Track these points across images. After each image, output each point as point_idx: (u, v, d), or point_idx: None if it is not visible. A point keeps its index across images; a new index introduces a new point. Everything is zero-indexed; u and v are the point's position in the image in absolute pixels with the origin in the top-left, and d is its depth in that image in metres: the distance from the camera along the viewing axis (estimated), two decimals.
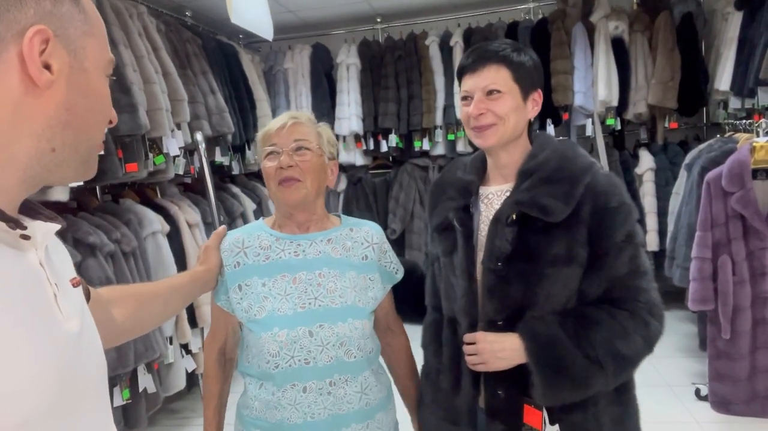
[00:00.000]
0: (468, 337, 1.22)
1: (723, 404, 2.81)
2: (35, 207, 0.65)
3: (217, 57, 3.85)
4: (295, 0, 4.04)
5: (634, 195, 4.09)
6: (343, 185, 4.74)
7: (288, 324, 1.21)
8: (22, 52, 0.55)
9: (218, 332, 1.35)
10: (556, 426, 1.19)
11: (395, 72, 4.49)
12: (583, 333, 1.16)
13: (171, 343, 2.89)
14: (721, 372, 2.79)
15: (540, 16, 4.36)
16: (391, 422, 1.37)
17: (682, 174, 3.48)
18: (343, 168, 4.78)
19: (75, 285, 0.69)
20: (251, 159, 4.12)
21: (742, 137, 3.04)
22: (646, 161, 4.16)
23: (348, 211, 4.67)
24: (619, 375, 1.18)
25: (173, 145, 3.04)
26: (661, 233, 3.98)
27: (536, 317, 1.19)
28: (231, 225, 3.41)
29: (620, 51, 4.11)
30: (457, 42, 4.36)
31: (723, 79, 3.78)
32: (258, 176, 4.08)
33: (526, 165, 1.25)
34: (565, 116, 4.18)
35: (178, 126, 3.16)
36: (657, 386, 3.12)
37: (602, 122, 4.21)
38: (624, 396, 1.26)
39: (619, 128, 4.29)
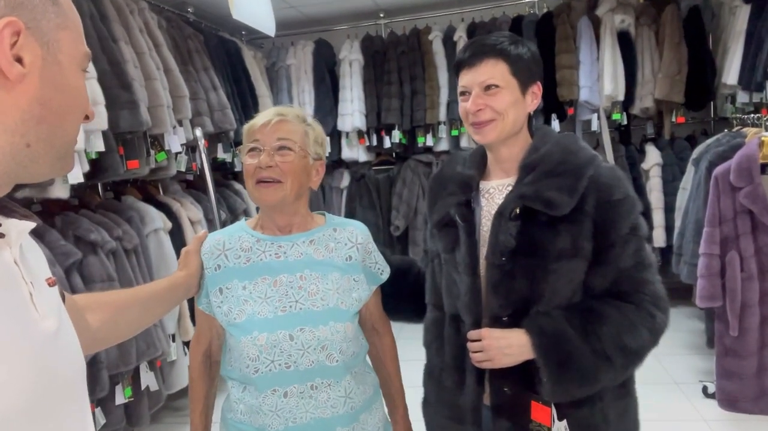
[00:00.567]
0: (473, 334, 1.21)
1: (730, 401, 2.78)
2: (9, 205, 0.64)
3: (219, 53, 3.84)
4: None
5: (641, 191, 4.05)
6: (346, 182, 4.73)
7: (268, 328, 1.19)
8: None
9: (202, 335, 1.32)
10: (564, 422, 1.18)
11: (398, 67, 4.46)
12: (590, 327, 1.15)
13: (173, 341, 2.88)
14: (729, 369, 2.76)
15: (545, 10, 4.31)
16: (379, 420, 1.34)
17: (690, 169, 3.45)
18: (346, 164, 4.77)
19: (51, 285, 0.68)
20: None
21: (750, 131, 3.00)
22: (652, 156, 4.12)
23: (351, 207, 4.66)
24: (627, 368, 1.18)
25: (175, 142, 3.03)
26: (668, 229, 3.95)
27: (542, 312, 1.18)
28: (234, 222, 3.40)
29: (626, 45, 4.07)
30: (460, 37, 4.32)
31: (731, 73, 3.74)
32: None
33: (528, 159, 1.24)
34: (570, 111, 4.15)
35: (180, 123, 3.15)
36: (664, 383, 3.10)
37: (608, 117, 4.17)
38: (626, 389, 1.26)
39: (625, 122, 4.24)
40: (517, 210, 1.19)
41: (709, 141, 3.42)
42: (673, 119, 4.23)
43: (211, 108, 3.48)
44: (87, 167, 2.41)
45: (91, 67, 2.39)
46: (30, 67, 0.56)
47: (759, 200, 2.60)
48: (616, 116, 4.16)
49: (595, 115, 4.12)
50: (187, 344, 3.03)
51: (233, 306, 1.22)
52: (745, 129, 3.14)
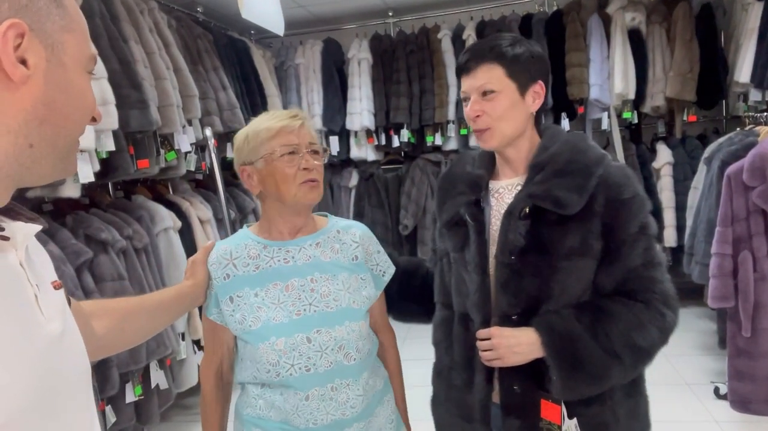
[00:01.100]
0: (482, 332, 1.21)
1: (743, 403, 2.75)
2: (15, 208, 0.64)
3: (229, 53, 3.85)
4: None
5: (652, 190, 4.02)
6: (354, 181, 4.73)
7: (285, 332, 1.20)
8: None
9: (214, 352, 1.31)
10: (574, 420, 1.18)
11: (407, 66, 4.45)
12: (600, 325, 1.15)
13: (183, 339, 2.90)
14: (741, 370, 2.73)
15: (554, 8, 4.29)
16: (391, 412, 1.36)
17: (702, 168, 3.41)
18: (355, 164, 4.77)
19: (56, 288, 0.68)
20: None
21: (763, 130, 2.97)
22: (663, 155, 4.08)
23: (359, 207, 4.65)
24: (637, 366, 1.18)
25: (184, 141, 3.04)
26: (679, 228, 3.91)
27: (552, 310, 1.18)
28: (243, 221, 3.41)
29: (637, 43, 4.03)
30: (470, 35, 4.30)
31: (743, 70, 3.70)
32: None
33: (537, 158, 1.24)
34: (581, 110, 4.12)
35: (190, 122, 3.16)
36: (675, 384, 3.07)
37: (619, 116, 4.14)
38: (637, 387, 1.26)
39: (636, 121, 4.21)
40: (527, 209, 1.19)
41: (721, 140, 3.38)
42: (685, 118, 4.19)
43: (221, 107, 3.49)
44: (98, 167, 2.42)
45: (101, 67, 2.41)
46: (34, 69, 0.57)
47: None
48: (626, 115, 4.13)
49: (606, 113, 4.09)
50: (196, 342, 3.04)
51: (247, 314, 1.22)
52: (757, 128, 3.10)
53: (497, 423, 1.25)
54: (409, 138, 4.48)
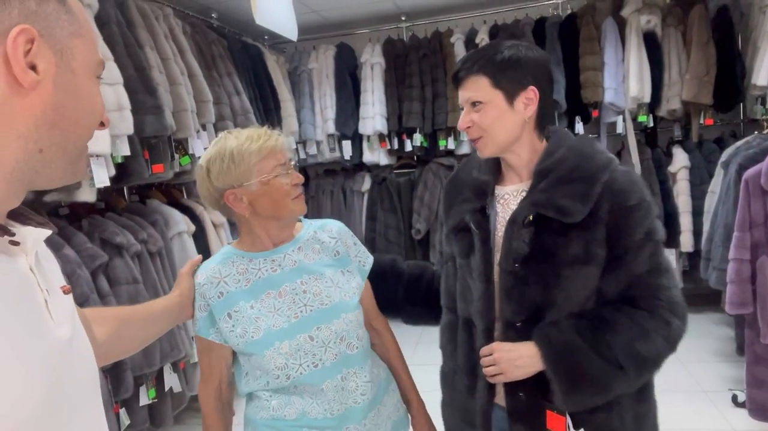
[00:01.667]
0: (485, 349, 1.21)
1: (761, 411, 2.70)
2: (25, 213, 0.65)
3: (243, 58, 3.88)
4: (319, 0, 4.04)
5: (668, 194, 3.97)
6: (367, 185, 4.73)
7: (288, 336, 1.23)
8: (6, 52, 0.55)
9: (212, 372, 1.31)
10: (581, 430, 1.17)
11: (420, 70, 4.45)
12: (601, 336, 1.14)
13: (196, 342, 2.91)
14: (760, 377, 2.68)
15: (568, 11, 4.26)
16: (398, 401, 1.40)
17: (719, 172, 3.37)
18: (368, 168, 4.78)
19: (66, 293, 0.68)
20: None
21: None
22: (680, 159, 4.03)
23: (372, 211, 4.66)
24: (642, 376, 1.17)
25: (199, 146, 3.07)
26: (696, 233, 3.86)
27: (551, 322, 1.18)
28: None
29: (653, 46, 3.99)
30: (483, 39, 4.29)
31: (761, 73, 3.64)
32: None
33: (542, 164, 1.23)
34: (595, 113, 4.09)
35: (204, 127, 3.19)
36: (692, 392, 3.03)
37: (634, 119, 4.10)
38: (645, 394, 1.25)
39: (651, 125, 4.17)
40: (530, 217, 1.18)
41: (738, 143, 3.34)
42: (701, 121, 4.14)
43: (234, 113, 3.52)
44: (113, 171, 2.45)
45: (117, 73, 2.44)
46: (44, 74, 0.57)
47: None
48: (642, 118, 4.09)
49: (621, 117, 4.05)
50: None
51: (247, 326, 1.24)
52: None
53: (503, 429, 1.25)
54: (421, 142, 4.48)
